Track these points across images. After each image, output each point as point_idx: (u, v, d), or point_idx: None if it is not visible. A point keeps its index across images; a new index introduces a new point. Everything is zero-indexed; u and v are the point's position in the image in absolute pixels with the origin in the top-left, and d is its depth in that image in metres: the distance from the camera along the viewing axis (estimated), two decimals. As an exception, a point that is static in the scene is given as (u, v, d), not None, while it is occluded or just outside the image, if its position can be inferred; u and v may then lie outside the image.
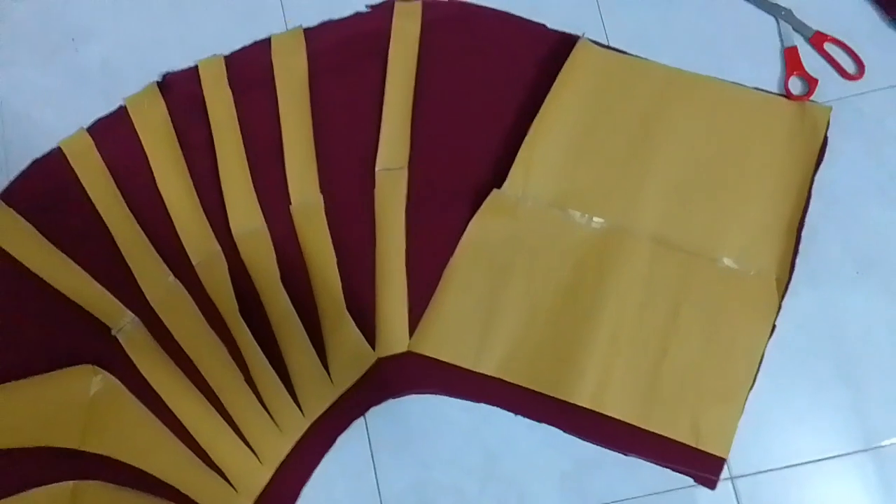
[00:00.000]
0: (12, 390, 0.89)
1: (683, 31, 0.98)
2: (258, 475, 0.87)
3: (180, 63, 1.00)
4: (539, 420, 0.87)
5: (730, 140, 0.92)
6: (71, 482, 0.87)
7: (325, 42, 0.99)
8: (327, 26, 0.99)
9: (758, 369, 0.86)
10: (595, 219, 0.90)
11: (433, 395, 0.89)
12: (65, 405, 0.89)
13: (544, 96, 0.93)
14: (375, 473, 0.88)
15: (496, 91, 0.96)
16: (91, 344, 0.91)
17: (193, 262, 0.93)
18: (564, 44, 0.96)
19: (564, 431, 0.86)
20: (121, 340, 0.90)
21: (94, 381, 0.90)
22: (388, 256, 0.92)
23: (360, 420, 0.89)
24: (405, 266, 0.92)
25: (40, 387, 0.90)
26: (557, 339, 0.88)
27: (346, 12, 1.00)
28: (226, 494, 0.86)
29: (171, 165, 0.96)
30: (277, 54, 0.98)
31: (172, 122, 0.97)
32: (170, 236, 0.94)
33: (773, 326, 0.87)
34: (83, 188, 0.96)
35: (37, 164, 0.98)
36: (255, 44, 1.00)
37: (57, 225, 0.96)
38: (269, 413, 0.88)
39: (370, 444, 0.89)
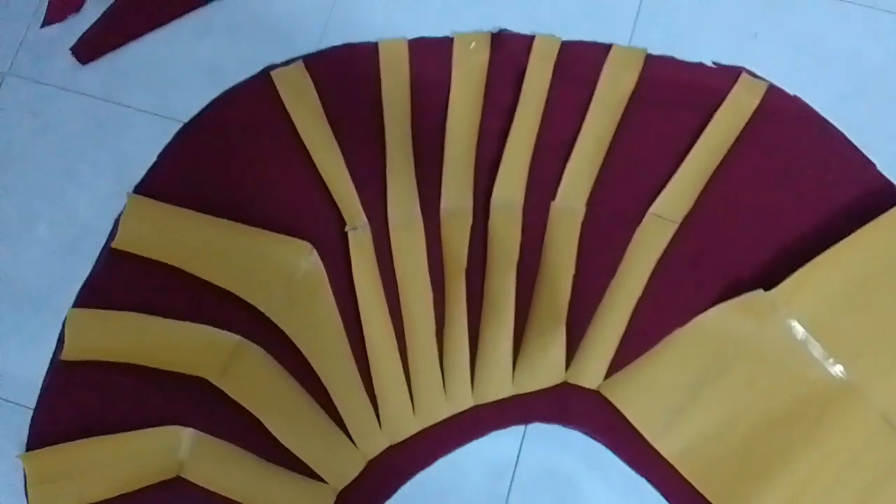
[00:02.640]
0: (239, 231, 0.97)
1: None
2: (407, 424, 0.90)
3: (521, 28, 1.05)
4: (691, 524, 0.87)
5: None
6: (238, 337, 0.92)
7: (661, 74, 1.02)
8: (670, 61, 1.02)
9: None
10: (838, 366, 0.89)
11: (598, 444, 0.90)
12: (272, 267, 0.95)
13: (840, 225, 0.93)
14: (510, 486, 0.89)
15: (795, 198, 0.97)
16: (316, 230, 0.97)
17: (442, 206, 0.97)
18: (884, 191, 0.96)
19: (711, 548, 0.86)
20: (350, 238, 0.95)
21: (307, 259, 0.95)
22: (620, 294, 0.93)
23: (520, 428, 0.91)
24: (632, 311, 0.93)
25: (259, 240, 0.96)
26: (747, 458, 0.87)
27: (691, 55, 1.03)
28: (371, 425, 0.90)
29: (467, 109, 1.01)
30: (612, 64, 1.01)
31: (487, 74, 1.03)
32: (432, 173, 0.99)
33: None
34: (379, 89, 1.02)
35: (349, 47, 1.05)
36: (593, 44, 1.03)
37: (338, 110, 1.02)
38: (443, 374, 0.91)
39: (518, 456, 0.90)
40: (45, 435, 0.91)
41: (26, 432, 0.92)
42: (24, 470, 0.89)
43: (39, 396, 0.93)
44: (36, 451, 0.90)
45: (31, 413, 0.93)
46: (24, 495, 0.89)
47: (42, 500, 0.88)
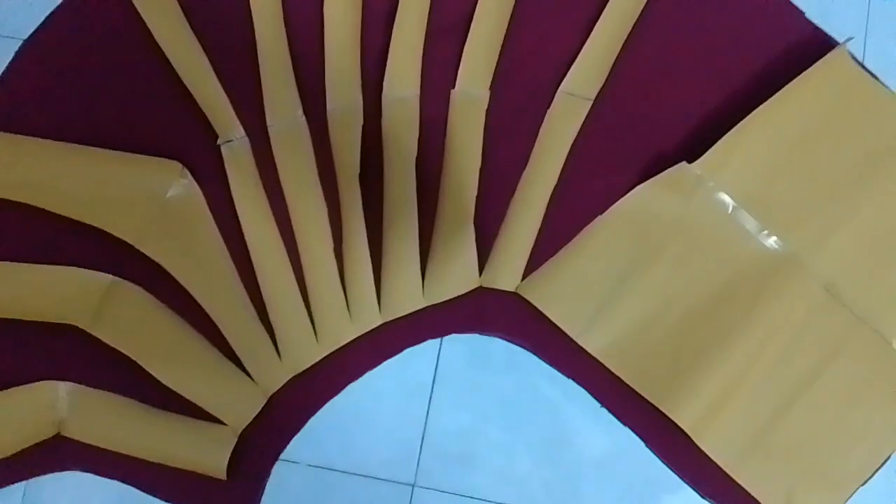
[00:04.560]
0: (98, 157, 0.85)
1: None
2: (309, 351, 0.82)
3: None
4: (625, 423, 0.81)
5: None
6: (110, 276, 0.83)
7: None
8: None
9: (880, 466, 0.79)
10: (773, 238, 0.83)
11: (522, 349, 0.83)
12: (140, 194, 0.84)
13: (766, 83, 0.85)
14: (429, 403, 0.82)
15: (718, 57, 0.88)
16: (187, 148, 0.86)
17: (328, 107, 0.87)
18: (815, 41, 0.88)
19: (647, 446, 0.80)
20: (223, 153, 0.85)
21: (178, 181, 0.85)
22: (534, 185, 0.85)
23: (435, 342, 0.84)
24: (548, 202, 0.85)
25: (122, 165, 0.85)
26: (681, 347, 0.81)
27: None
28: (269, 356, 0.82)
29: (345, -7, 0.90)
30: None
31: (365, -51, 0.91)
32: (314, 70, 0.88)
33: (917, 431, 0.80)
34: (244, -16, 0.90)
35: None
36: None
37: (203, 13, 0.90)
38: (345, 293, 0.83)
39: (436, 370, 0.83)
40: None
41: None
42: None
43: None
44: None
45: None
46: None
47: None
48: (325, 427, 0.81)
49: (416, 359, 0.83)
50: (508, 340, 0.83)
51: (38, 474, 0.79)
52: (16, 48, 0.90)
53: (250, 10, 0.89)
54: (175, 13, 0.89)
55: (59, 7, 0.91)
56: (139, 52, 0.88)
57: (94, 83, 0.88)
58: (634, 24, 0.88)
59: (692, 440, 0.79)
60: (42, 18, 0.91)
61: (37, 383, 0.80)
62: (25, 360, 0.81)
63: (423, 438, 0.82)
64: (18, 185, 0.84)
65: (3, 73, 0.89)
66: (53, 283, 0.82)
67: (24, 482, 0.82)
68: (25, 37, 0.90)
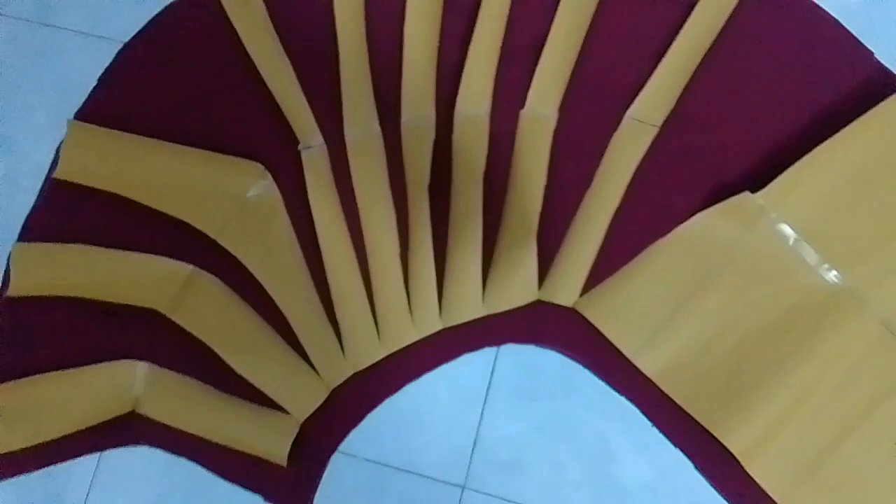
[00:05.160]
0: (187, 155, 0.91)
1: None
2: (371, 351, 0.86)
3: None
4: (676, 444, 0.82)
5: None
6: (190, 266, 0.88)
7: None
8: (646, -51, 0.94)
9: (931, 507, 0.79)
10: (833, 272, 0.83)
11: (575, 363, 0.85)
12: (223, 192, 0.90)
13: (833, 119, 0.86)
14: (483, 409, 0.85)
15: (785, 91, 0.90)
16: (269, 152, 0.91)
17: (402, 120, 0.92)
18: (883, 80, 0.89)
19: (696, 468, 0.81)
20: (303, 158, 0.90)
21: (259, 182, 0.90)
22: (596, 206, 0.88)
23: (492, 350, 0.87)
24: (609, 223, 0.88)
25: (208, 164, 0.90)
26: (736, 373, 0.82)
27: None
28: (334, 352, 0.86)
29: (426, 11, 0.94)
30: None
31: (448, -26, 0.96)
32: (390, 84, 0.93)
33: (968, 475, 0.80)
34: (331, 3, 0.95)
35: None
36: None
37: (286, 19, 0.96)
38: (408, 298, 0.87)
39: (491, 378, 0.86)
40: (-4, 375, 0.88)
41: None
42: (-25, 411, 0.86)
43: (-12, 336, 0.89)
44: (-13, 391, 0.87)
45: (-19, 354, 0.89)
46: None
47: (-3, 440, 0.85)
48: (381, 424, 0.84)
49: (472, 365, 0.86)
50: (563, 354, 0.86)
51: (113, 447, 0.85)
52: (114, 50, 0.97)
53: (335, 26, 0.94)
54: (265, 26, 0.95)
55: (158, 14, 0.98)
56: (230, 59, 0.94)
57: (187, 86, 0.95)
58: (705, 56, 0.91)
59: (742, 466, 0.80)
60: (144, 23, 0.98)
61: (117, 361, 0.85)
62: (108, 339, 0.87)
63: (475, 443, 0.84)
64: (113, 177, 0.91)
65: (104, 73, 0.96)
66: (138, 268, 0.88)
67: (98, 453, 0.87)
68: (124, 39, 0.97)
